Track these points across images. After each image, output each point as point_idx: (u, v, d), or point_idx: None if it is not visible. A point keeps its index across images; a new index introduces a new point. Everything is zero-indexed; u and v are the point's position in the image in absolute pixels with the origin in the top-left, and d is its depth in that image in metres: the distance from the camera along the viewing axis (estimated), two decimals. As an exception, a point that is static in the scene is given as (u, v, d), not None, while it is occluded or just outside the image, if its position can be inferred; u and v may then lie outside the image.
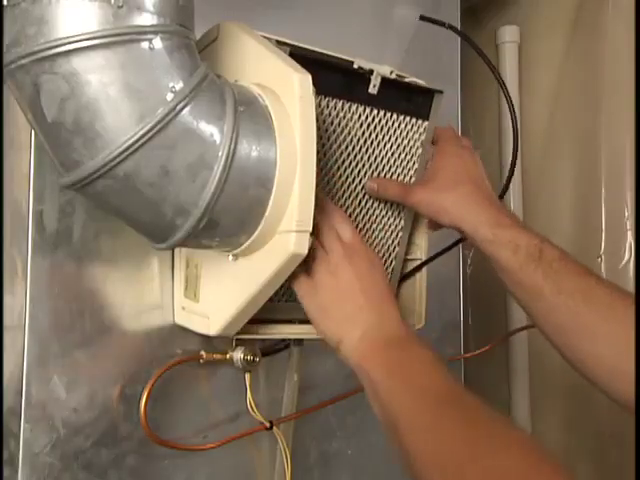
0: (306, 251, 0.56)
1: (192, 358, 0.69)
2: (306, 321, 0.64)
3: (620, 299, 0.59)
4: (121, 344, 0.66)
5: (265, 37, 0.61)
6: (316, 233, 0.61)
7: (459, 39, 1.01)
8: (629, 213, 1.03)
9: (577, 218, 1.10)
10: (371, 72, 0.66)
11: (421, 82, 0.73)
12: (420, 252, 0.75)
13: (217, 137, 0.53)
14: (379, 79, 0.67)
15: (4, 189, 0.63)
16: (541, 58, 1.19)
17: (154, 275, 0.69)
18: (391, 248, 0.74)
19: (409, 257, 0.76)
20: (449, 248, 0.76)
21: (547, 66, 1.17)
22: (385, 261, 0.74)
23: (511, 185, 1.17)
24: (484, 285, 1.20)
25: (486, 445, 0.49)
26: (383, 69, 0.67)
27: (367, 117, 0.68)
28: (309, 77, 0.56)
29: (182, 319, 0.69)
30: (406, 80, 0.71)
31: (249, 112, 0.55)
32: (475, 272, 1.22)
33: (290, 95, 0.56)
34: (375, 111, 0.68)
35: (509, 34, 1.20)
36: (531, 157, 1.19)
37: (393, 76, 0.67)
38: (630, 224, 1.03)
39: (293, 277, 0.61)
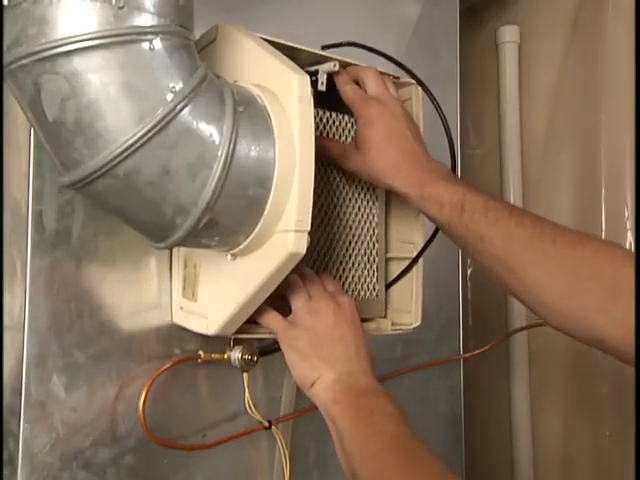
0: (304, 251, 0.56)
1: (190, 358, 0.69)
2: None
3: (538, 238, 0.58)
4: (119, 344, 0.66)
5: (263, 38, 0.61)
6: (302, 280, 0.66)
7: (459, 39, 1.01)
8: (629, 213, 1.03)
9: (577, 218, 1.10)
10: (316, 72, 0.67)
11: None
12: (417, 251, 0.75)
13: (216, 137, 0.53)
14: (325, 76, 0.68)
15: (4, 189, 0.63)
16: (541, 58, 1.19)
17: (152, 275, 0.69)
18: (370, 245, 0.75)
19: (405, 256, 0.76)
20: (430, 240, 0.76)
21: (547, 66, 1.17)
22: (368, 259, 0.75)
23: (511, 185, 1.19)
24: (484, 285, 1.20)
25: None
26: (327, 66, 0.68)
27: (321, 119, 0.70)
28: (307, 78, 0.56)
29: (180, 319, 0.69)
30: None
31: (248, 112, 0.55)
32: (475, 272, 1.22)
33: (289, 96, 0.56)
34: (327, 113, 0.71)
35: (509, 34, 1.20)
36: (531, 157, 1.19)
37: (336, 68, 0.68)
38: (630, 224, 1.03)
39: (270, 319, 0.65)
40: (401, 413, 0.59)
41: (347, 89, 0.69)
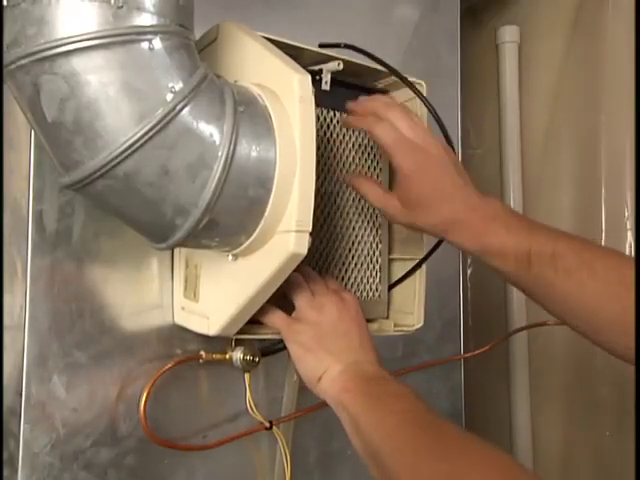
0: (305, 251, 0.56)
1: (192, 358, 0.69)
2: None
3: (610, 286, 0.56)
4: (120, 344, 0.66)
5: (264, 37, 0.61)
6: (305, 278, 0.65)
7: (459, 39, 1.01)
8: (629, 213, 1.03)
9: (577, 218, 1.10)
10: (320, 71, 0.67)
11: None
12: (420, 252, 0.75)
13: (217, 137, 0.53)
14: (329, 76, 0.67)
15: (4, 189, 0.63)
16: (541, 58, 1.19)
17: (153, 275, 0.69)
18: (374, 246, 0.75)
19: (408, 257, 0.76)
20: (437, 246, 0.75)
21: (547, 66, 1.17)
22: (371, 260, 0.75)
23: (511, 185, 1.19)
24: (484, 285, 1.20)
25: (463, 462, 0.50)
26: (331, 65, 0.67)
27: (325, 118, 0.70)
28: (309, 77, 0.56)
29: (181, 319, 0.69)
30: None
31: (249, 112, 0.55)
32: (475, 272, 1.22)
33: (290, 95, 0.56)
34: (331, 113, 0.70)
35: (509, 34, 1.20)
36: (531, 157, 1.19)
37: (340, 67, 0.67)
38: (630, 224, 1.03)
39: (274, 317, 0.64)
40: (412, 391, 0.58)
41: (381, 133, 0.62)
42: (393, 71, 0.70)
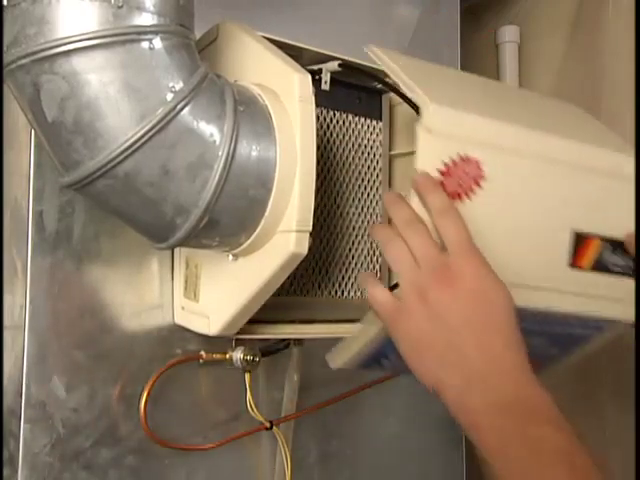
0: (306, 251, 0.56)
1: (192, 358, 0.69)
2: (307, 321, 0.64)
3: None
4: (121, 344, 0.66)
5: (264, 37, 0.61)
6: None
7: (459, 39, 1.01)
8: (629, 213, 1.03)
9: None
10: (320, 71, 0.67)
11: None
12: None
13: (217, 137, 0.53)
14: (329, 76, 0.67)
15: (4, 189, 0.63)
16: (541, 58, 1.19)
17: (154, 275, 0.69)
18: (374, 245, 0.74)
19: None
20: None
21: (547, 66, 1.17)
22: (371, 259, 0.74)
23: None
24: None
25: None
26: (331, 64, 0.67)
27: (325, 118, 0.70)
28: (309, 77, 0.56)
29: (182, 319, 0.69)
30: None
31: (249, 112, 0.55)
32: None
33: (290, 95, 0.56)
34: (331, 113, 0.70)
35: (509, 34, 1.20)
36: (531, 157, 1.19)
37: (338, 67, 0.67)
38: (630, 224, 1.03)
39: (376, 296, 0.49)
40: (575, 443, 0.44)
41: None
42: (392, 88, 0.69)
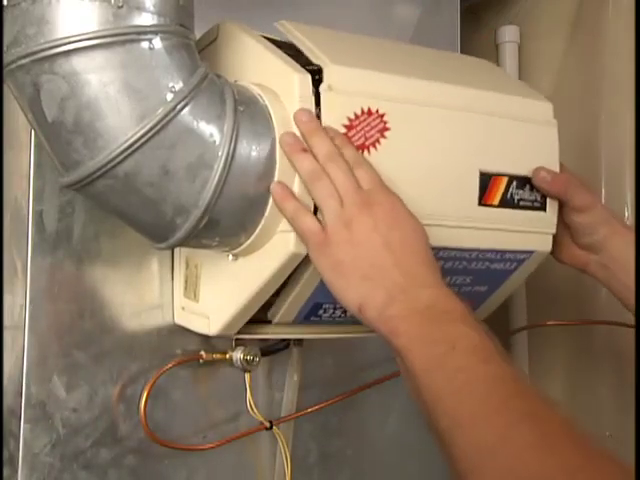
0: (306, 251, 0.56)
1: (192, 358, 0.69)
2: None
3: None
4: (121, 344, 0.66)
5: (264, 37, 0.61)
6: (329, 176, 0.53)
7: (459, 39, 1.01)
8: (629, 213, 1.03)
9: (577, 218, 1.10)
10: (320, 70, 0.67)
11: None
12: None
13: (217, 137, 0.53)
14: None
15: (4, 189, 0.63)
16: (541, 58, 1.19)
17: (154, 275, 0.69)
18: None
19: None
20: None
21: (547, 66, 1.17)
22: None
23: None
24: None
25: (578, 457, 0.41)
26: None
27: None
28: (309, 77, 0.56)
29: (182, 319, 0.69)
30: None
31: (249, 112, 0.55)
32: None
33: (290, 95, 0.56)
34: None
35: (509, 34, 1.20)
36: (531, 157, 1.19)
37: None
38: (630, 224, 1.03)
39: (302, 228, 0.53)
40: (487, 341, 0.46)
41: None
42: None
